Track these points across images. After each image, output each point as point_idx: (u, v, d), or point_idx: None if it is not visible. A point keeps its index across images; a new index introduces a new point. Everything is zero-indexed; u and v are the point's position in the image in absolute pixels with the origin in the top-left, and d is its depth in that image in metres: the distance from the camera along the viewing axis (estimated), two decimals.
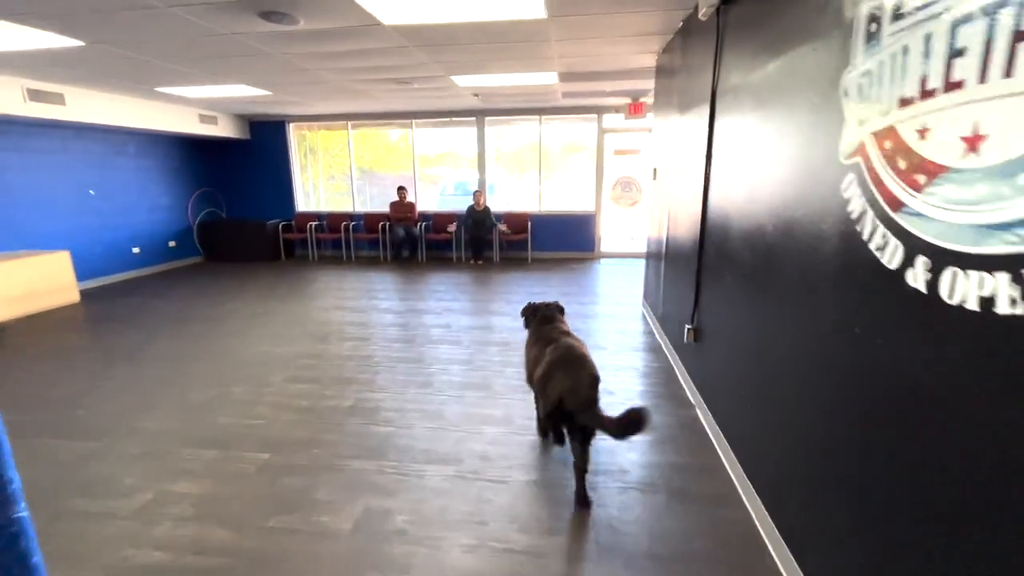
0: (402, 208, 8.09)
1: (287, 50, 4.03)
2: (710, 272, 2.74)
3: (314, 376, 3.46)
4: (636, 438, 2.08)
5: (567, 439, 2.17)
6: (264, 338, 4.29)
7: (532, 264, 7.68)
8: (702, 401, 2.81)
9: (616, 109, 7.10)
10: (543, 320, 2.54)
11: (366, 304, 5.43)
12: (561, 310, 2.67)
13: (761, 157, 2.01)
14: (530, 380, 2.40)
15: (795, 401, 1.68)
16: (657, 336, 4.17)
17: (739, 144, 2.30)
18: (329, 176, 8.85)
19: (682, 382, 3.21)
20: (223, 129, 7.79)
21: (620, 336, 4.24)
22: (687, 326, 3.01)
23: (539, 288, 6.07)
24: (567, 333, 2.40)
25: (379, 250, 8.31)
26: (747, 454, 2.14)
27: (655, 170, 4.53)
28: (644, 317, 4.80)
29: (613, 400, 3.00)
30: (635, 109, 6.88)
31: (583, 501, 2.09)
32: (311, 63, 4.49)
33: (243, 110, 7.53)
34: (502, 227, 7.82)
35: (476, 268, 7.42)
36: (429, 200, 8.76)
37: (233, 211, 8.89)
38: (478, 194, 7.58)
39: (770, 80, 1.93)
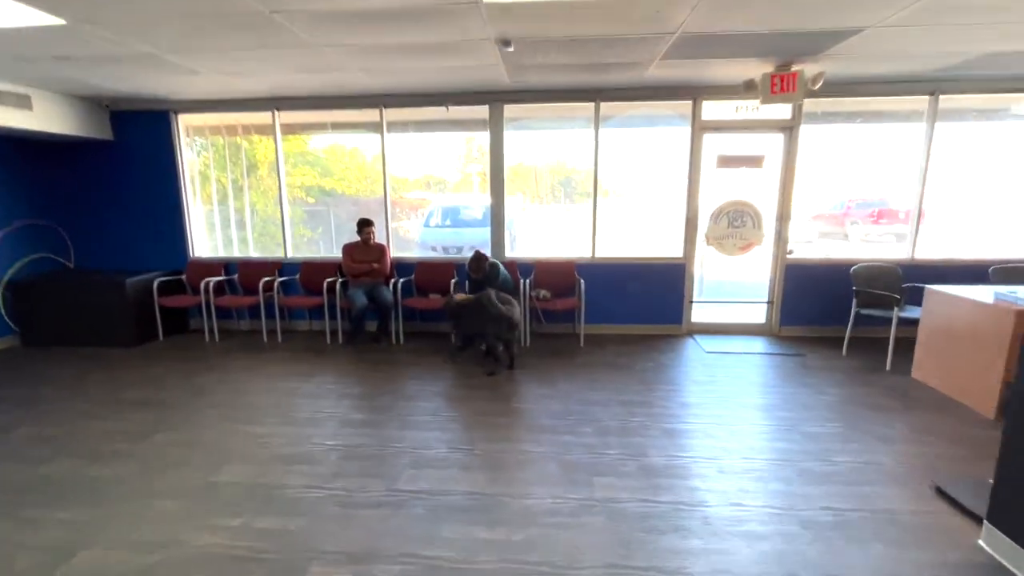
0: (366, 254, 4.81)
1: None
2: None
3: None
4: None
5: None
6: None
7: (585, 349, 4.46)
8: None
9: (746, 88, 4.04)
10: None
11: (256, 544, 2.09)
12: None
13: None
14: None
15: None
16: None
17: None
18: (276, 201, 5.50)
19: None
20: (48, 120, 4.44)
21: None
22: None
23: (637, 420, 2.84)
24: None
25: (324, 320, 4.95)
26: None
27: None
28: None
29: None
30: (785, 84, 3.84)
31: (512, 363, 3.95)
32: None
33: (73, 83, 4.22)
34: (543, 294, 4.62)
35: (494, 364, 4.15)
36: (406, 237, 5.54)
37: (85, 258, 5.46)
38: (479, 259, 4.29)
39: None
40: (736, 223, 4.82)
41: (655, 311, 4.98)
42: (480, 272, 4.29)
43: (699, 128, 4.67)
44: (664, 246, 4.97)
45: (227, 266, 5.29)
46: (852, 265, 4.34)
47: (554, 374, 3.88)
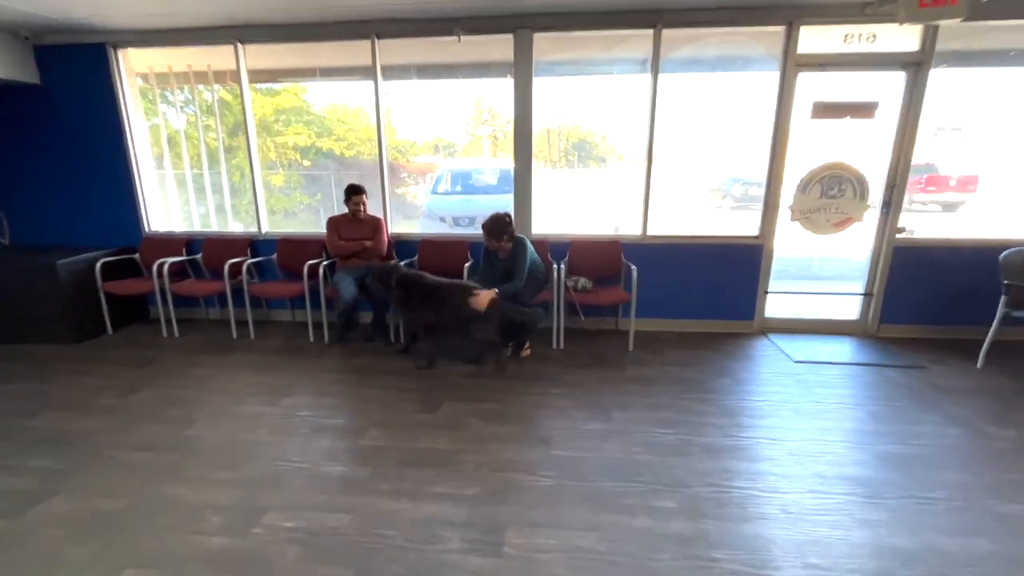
0: (356, 230, 3.80)
1: None
2: None
3: None
4: None
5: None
6: None
7: (636, 355, 3.48)
8: None
9: (880, 2, 2.86)
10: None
11: None
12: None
13: None
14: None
15: None
16: None
17: None
18: (268, 164, 4.61)
19: None
20: None
21: None
22: None
23: (737, 488, 1.88)
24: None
25: (307, 310, 3.98)
26: None
27: None
28: None
29: None
30: None
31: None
32: None
33: None
34: (582, 284, 3.63)
35: (516, 374, 3.18)
36: (415, 203, 4.54)
37: (25, 234, 4.51)
38: (500, 221, 3.16)
39: None
40: (831, 192, 3.72)
41: (720, 304, 3.96)
42: (500, 240, 3.14)
43: (793, 65, 3.51)
44: (728, 222, 3.91)
45: (191, 243, 4.32)
46: (984, 248, 3.26)
47: (602, 396, 2.91)
